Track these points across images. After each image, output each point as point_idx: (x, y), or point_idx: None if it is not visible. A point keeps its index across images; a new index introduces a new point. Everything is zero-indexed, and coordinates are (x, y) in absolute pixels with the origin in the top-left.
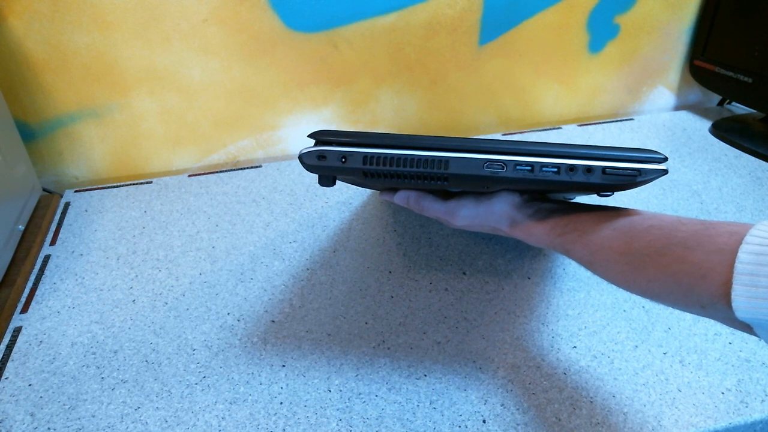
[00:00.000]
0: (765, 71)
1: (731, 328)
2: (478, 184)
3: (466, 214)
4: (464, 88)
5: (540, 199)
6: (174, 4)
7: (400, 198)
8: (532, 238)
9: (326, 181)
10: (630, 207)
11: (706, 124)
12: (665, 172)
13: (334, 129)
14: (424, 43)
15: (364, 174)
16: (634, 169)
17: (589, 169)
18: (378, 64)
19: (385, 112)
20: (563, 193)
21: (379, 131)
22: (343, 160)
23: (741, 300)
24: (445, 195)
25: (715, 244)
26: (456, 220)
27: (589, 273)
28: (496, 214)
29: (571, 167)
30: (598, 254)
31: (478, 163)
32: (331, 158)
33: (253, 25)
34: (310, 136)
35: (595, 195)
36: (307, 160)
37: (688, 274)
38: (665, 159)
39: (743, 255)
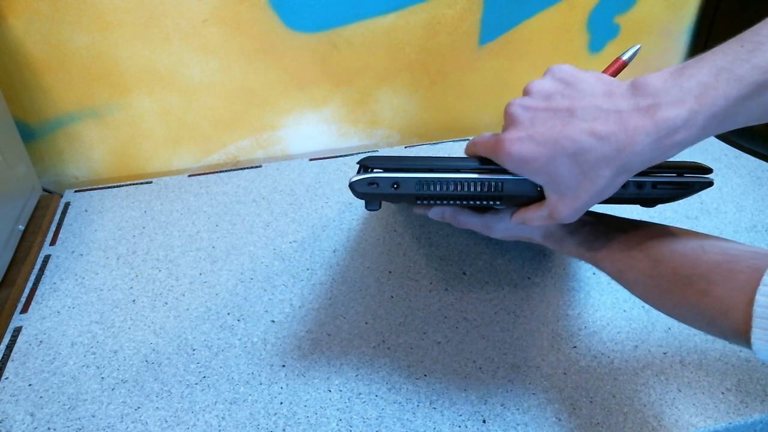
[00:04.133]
0: None
1: None
2: (529, 203)
3: (503, 228)
4: (464, 88)
5: None
6: (174, 4)
7: (435, 213)
8: (564, 250)
9: (374, 205)
10: (629, 206)
11: None
12: (711, 183)
13: (381, 155)
14: (424, 43)
15: (416, 198)
16: (684, 183)
17: (639, 184)
18: (378, 64)
19: (385, 112)
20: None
21: (428, 155)
22: (395, 186)
23: (760, 343)
24: (480, 208)
25: (736, 281)
26: (493, 233)
27: (589, 273)
28: (528, 227)
29: (623, 183)
30: (626, 273)
31: (531, 184)
32: (383, 185)
33: (253, 25)
34: (359, 163)
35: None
36: (358, 188)
37: (710, 309)
38: (711, 170)
39: (761, 298)
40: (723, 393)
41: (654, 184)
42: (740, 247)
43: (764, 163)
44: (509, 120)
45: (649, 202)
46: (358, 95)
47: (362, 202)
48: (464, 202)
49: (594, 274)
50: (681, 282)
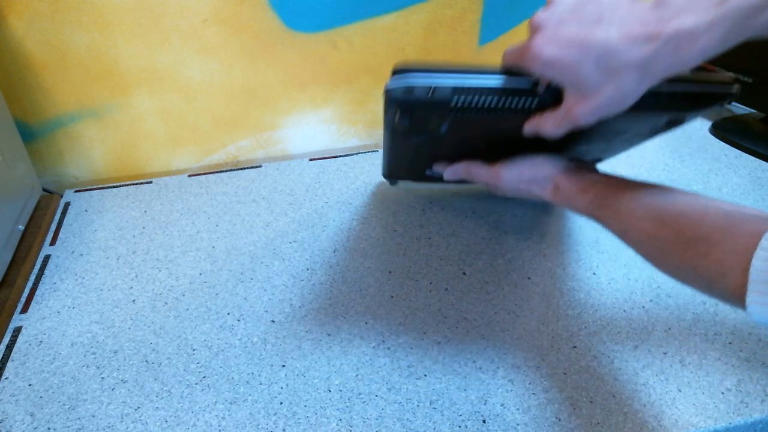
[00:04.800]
0: (765, 71)
1: (731, 328)
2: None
3: (510, 176)
4: None
5: (584, 168)
6: (174, 4)
7: (450, 172)
8: (572, 207)
9: (393, 180)
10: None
11: (706, 124)
12: (733, 94)
13: (418, 61)
14: (424, 43)
15: (449, 108)
16: (704, 93)
17: (657, 93)
18: (378, 64)
19: None
20: (631, 133)
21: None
22: (432, 92)
23: (755, 306)
24: (492, 163)
25: (735, 244)
26: (501, 182)
27: (589, 273)
28: (540, 177)
29: (656, 92)
30: (630, 233)
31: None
32: (418, 91)
33: (253, 25)
34: (395, 70)
35: (662, 129)
36: (394, 94)
37: (708, 271)
38: (734, 82)
39: (757, 262)
40: (723, 393)
41: (672, 95)
42: (744, 211)
43: (764, 163)
44: (535, 27)
45: (668, 114)
46: (358, 95)
47: (362, 202)
48: (498, 105)
49: (594, 274)
50: (682, 244)
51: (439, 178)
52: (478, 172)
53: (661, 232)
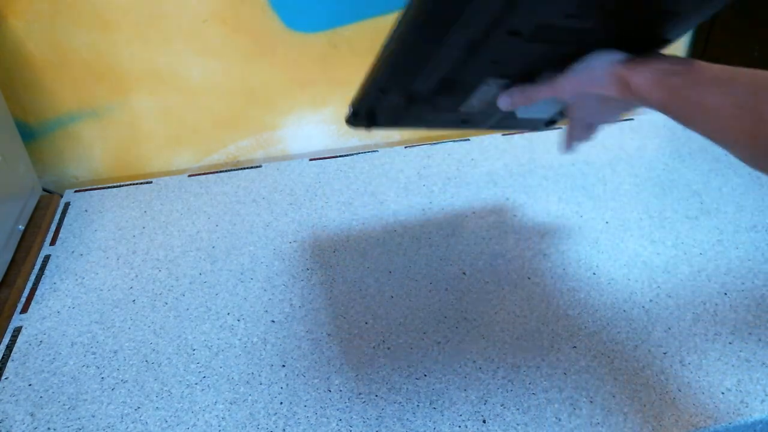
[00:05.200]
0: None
1: (731, 328)
2: None
3: (568, 84)
4: None
5: (650, 57)
6: (174, 4)
7: (504, 100)
8: (644, 103)
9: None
10: (629, 206)
11: None
12: None
13: None
14: None
15: None
16: None
17: None
18: None
19: None
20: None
21: None
22: None
23: None
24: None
25: None
26: (562, 93)
27: (589, 273)
28: (597, 75)
29: None
30: (722, 133)
31: None
32: None
33: (253, 25)
34: None
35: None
36: None
37: None
38: None
39: None
40: (723, 393)
41: None
42: None
43: None
44: None
45: None
46: None
47: (362, 202)
48: None
49: (594, 274)
50: None
51: (433, 121)
52: (535, 92)
53: (760, 130)
